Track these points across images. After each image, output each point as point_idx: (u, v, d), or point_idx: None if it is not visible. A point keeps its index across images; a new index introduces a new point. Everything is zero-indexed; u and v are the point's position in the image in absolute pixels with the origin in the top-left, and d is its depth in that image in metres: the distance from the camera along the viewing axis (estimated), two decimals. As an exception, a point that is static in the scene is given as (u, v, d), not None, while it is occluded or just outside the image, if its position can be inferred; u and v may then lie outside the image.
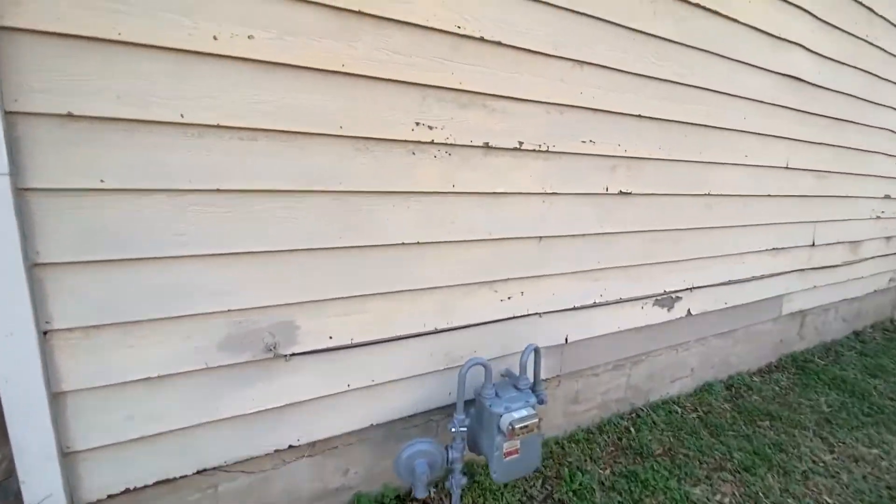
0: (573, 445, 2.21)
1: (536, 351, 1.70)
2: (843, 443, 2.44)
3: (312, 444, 1.57)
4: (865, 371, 3.38)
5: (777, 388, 3.01)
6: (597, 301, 2.13)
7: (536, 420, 1.50)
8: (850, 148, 3.16)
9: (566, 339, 2.07)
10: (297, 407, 1.49)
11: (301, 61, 1.25)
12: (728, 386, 2.94)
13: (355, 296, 1.50)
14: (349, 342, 1.52)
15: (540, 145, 1.74)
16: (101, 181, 1.10)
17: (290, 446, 1.51)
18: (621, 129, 1.96)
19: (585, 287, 2.07)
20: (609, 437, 2.30)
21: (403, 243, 1.54)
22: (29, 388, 1.11)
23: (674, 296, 2.45)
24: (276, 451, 1.49)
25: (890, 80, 3.26)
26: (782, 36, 2.40)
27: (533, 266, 1.87)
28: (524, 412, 1.50)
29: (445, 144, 1.54)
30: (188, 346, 1.28)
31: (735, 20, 2.17)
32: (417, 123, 1.47)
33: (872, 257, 3.86)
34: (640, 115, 1.99)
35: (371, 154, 1.42)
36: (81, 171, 1.07)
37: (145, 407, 1.26)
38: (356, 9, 1.29)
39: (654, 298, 2.36)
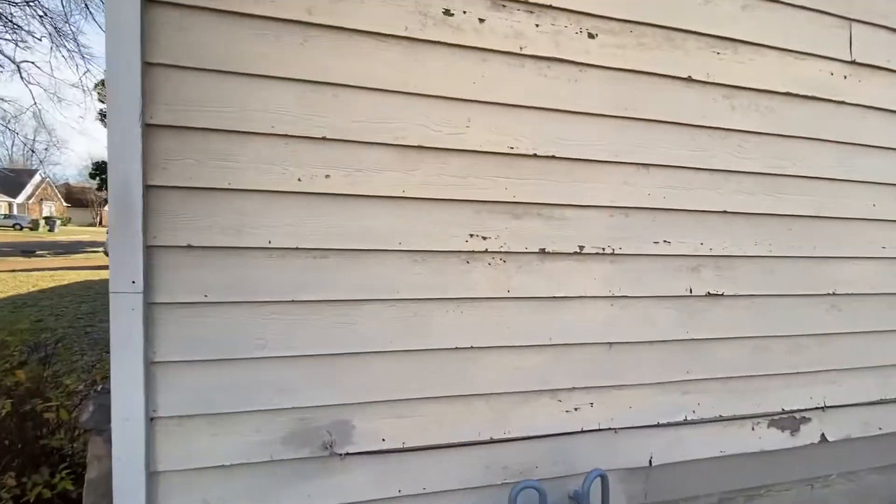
0: None
1: (603, 478, 1.53)
2: None
3: (362, 549, 1.57)
4: None
5: None
6: (688, 418, 1.85)
7: (597, 565, 1.31)
8: None
9: (650, 461, 1.81)
10: (348, 508, 1.52)
11: (366, 191, 1.45)
12: (903, 543, 2.22)
13: (407, 399, 1.54)
14: (401, 445, 1.54)
15: (604, 248, 1.69)
16: (205, 296, 1.36)
17: (340, 547, 1.53)
18: (703, 227, 1.81)
19: (672, 400, 1.83)
20: None
21: (457, 348, 1.57)
22: (134, 467, 1.33)
23: (797, 416, 2.02)
24: (330, 551, 1.52)
25: None
26: (913, 110, 2.07)
27: (603, 375, 1.73)
28: (583, 552, 1.32)
29: (499, 252, 1.59)
30: (257, 438, 1.43)
31: (841, 102, 1.95)
32: (471, 235, 1.56)
33: None
34: (724, 212, 1.83)
35: (426, 265, 1.53)
36: (191, 288, 1.35)
37: (217, 492, 1.41)
38: (416, 144, 1.48)
39: (770, 418, 1.98)
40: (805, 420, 2.03)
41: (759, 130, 1.84)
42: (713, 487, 1.94)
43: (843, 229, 2.02)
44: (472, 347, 1.59)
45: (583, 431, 1.73)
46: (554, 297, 1.66)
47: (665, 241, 1.76)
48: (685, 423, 1.85)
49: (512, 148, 1.57)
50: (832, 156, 1.97)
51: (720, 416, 1.90)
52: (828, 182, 1.97)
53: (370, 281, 1.48)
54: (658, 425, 1.81)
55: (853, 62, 1.95)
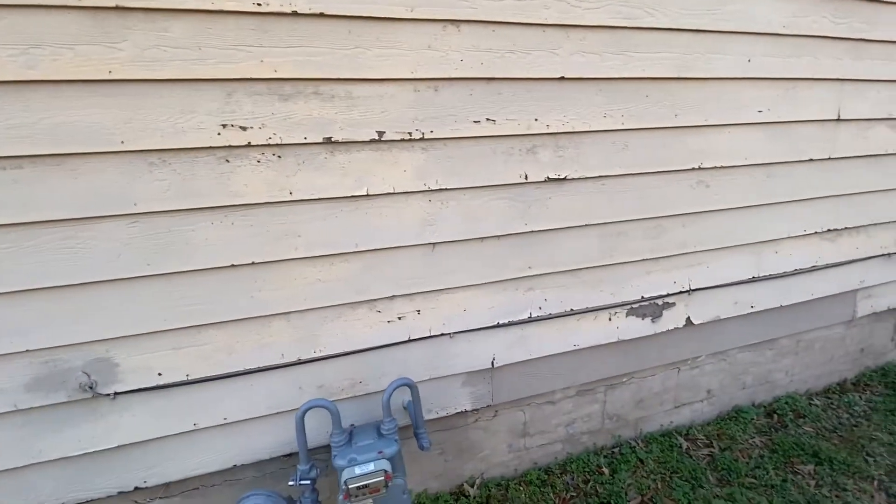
0: (521, 488, 1.83)
1: (411, 387, 1.40)
2: (927, 505, 1.72)
3: (166, 486, 1.46)
4: None
5: (847, 416, 2.26)
6: (533, 315, 1.72)
7: (382, 479, 1.20)
8: (960, 80, 2.24)
9: (493, 363, 1.70)
10: (134, 448, 1.37)
11: (54, 75, 1.11)
12: (770, 412, 2.27)
13: (182, 328, 1.33)
14: (185, 378, 1.37)
15: (410, 133, 1.41)
16: None
17: (137, 488, 1.40)
18: (537, 100, 1.54)
19: (513, 298, 1.68)
20: (573, 479, 1.88)
21: (233, 265, 1.34)
22: None
23: (660, 302, 1.92)
24: (119, 493, 1.39)
25: None
26: (804, -62, 1.73)
27: (428, 279, 1.55)
28: (369, 467, 1.22)
29: (269, 146, 1.30)
30: (-6, 388, 1.22)
31: (710, -71, 1.59)
32: (224, 126, 1.25)
33: None
34: (562, 78, 1.54)
35: (169, 168, 1.23)
36: None
37: (-41, 451, 1.24)
38: (114, 4, 1.11)
39: (629, 307, 1.87)
40: (668, 305, 1.94)
41: (602, -30, 1.50)
42: (569, 381, 1.88)
43: (711, 92, 1.77)
44: (254, 263, 1.35)
45: (411, 340, 1.58)
46: (354, 197, 1.41)
47: (489, 120, 1.49)
48: (530, 320, 1.72)
49: (259, 4, 1.21)
50: (698, 0, 1.65)
51: (571, 309, 1.77)
52: (692, 35, 1.68)
53: (94, 194, 1.19)
54: (499, 325, 1.68)
55: None
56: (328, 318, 1.47)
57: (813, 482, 1.83)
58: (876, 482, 1.83)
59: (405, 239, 1.49)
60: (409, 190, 1.46)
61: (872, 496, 1.76)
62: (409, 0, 1.33)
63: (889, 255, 2.37)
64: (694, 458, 1.98)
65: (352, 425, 1.47)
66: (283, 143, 1.31)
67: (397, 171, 1.43)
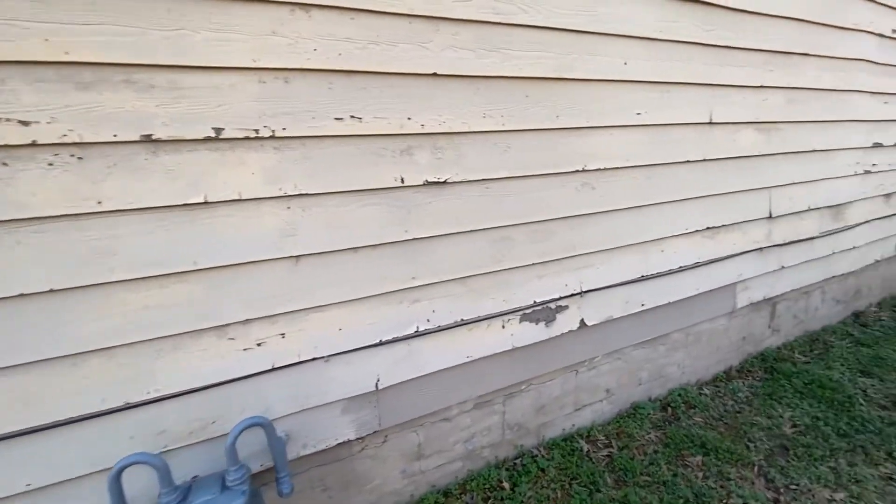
0: (416, 515, 1.70)
1: (264, 426, 1.21)
2: (796, 486, 1.82)
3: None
4: (857, 367, 2.69)
5: (732, 403, 2.39)
6: (421, 328, 1.60)
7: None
8: (810, 89, 2.47)
9: (377, 384, 1.55)
10: None
11: None
12: (665, 405, 2.34)
13: (-50, 378, 1.04)
14: (-38, 441, 1.07)
15: (258, 130, 1.23)
16: None
17: None
18: (409, 97, 1.42)
19: (397, 313, 1.55)
20: (472, 498, 1.78)
21: (23, 294, 1.07)
22: None
23: (552, 305, 1.88)
24: None
25: (860, -4, 2.54)
26: (669, -54, 1.78)
27: (293, 297, 1.36)
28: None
29: (65, 145, 1.05)
30: None
31: (580, -72, 1.58)
32: (-4, 119, 0.99)
33: (866, 221, 3.13)
34: (435, 74, 1.44)
35: (-89, 173, 0.95)
36: None
37: None
38: None
39: (522, 313, 1.81)
40: (561, 308, 1.91)
41: (471, -39, 1.42)
42: (465, 394, 1.78)
43: (592, 93, 1.76)
44: (53, 291, 1.09)
45: (275, 369, 1.38)
46: (189, 205, 1.19)
47: (354, 117, 1.34)
48: (418, 334, 1.60)
49: (36, -32, 0.97)
50: (574, 2, 1.64)
51: (461, 319, 1.68)
52: (569, 34, 1.66)
53: None
54: (382, 343, 1.53)
55: None
56: (164, 351, 1.23)
57: (701, 474, 1.89)
58: (756, 468, 1.92)
59: (260, 252, 1.30)
60: (260, 196, 1.27)
61: (753, 482, 1.85)
62: (244, -23, 1.15)
63: (761, 249, 2.55)
64: (594, 460, 1.97)
65: (194, 478, 1.25)
66: (85, 141, 1.07)
67: (244, 174, 1.24)
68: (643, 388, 2.35)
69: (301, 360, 1.42)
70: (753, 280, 2.59)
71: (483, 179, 1.60)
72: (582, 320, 1.98)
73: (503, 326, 1.78)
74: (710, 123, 2.13)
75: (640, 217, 2.03)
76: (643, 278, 2.12)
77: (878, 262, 3.41)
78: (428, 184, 1.50)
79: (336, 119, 1.32)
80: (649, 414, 2.26)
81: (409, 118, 1.42)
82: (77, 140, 1.06)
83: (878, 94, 2.87)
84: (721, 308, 2.52)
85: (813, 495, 1.77)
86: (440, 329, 1.64)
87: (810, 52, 2.39)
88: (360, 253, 1.44)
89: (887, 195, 3.24)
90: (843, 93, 2.64)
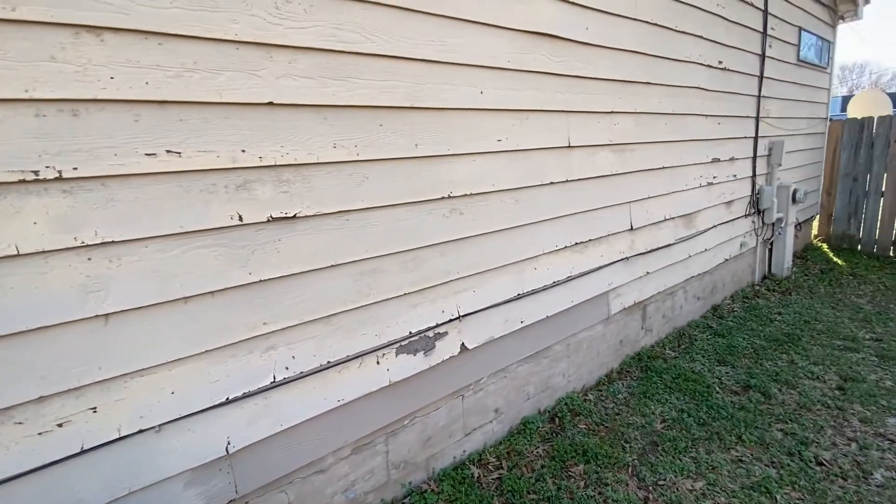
0: (290, 585, 1.53)
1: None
2: (663, 482, 1.96)
3: None
4: (715, 357, 3.03)
5: (612, 405, 2.53)
6: (279, 378, 1.46)
7: None
8: (654, 113, 2.76)
9: (228, 448, 1.38)
10: None
11: None
12: (553, 416, 2.42)
13: None
14: None
15: (37, 172, 1.03)
16: None
17: None
18: (241, 127, 1.30)
19: (247, 364, 1.40)
20: (355, 552, 1.65)
21: None
22: None
23: (430, 334, 1.85)
24: None
25: (688, 33, 2.92)
26: (513, -17, 1.87)
27: (105, 362, 1.16)
28: None
29: None
30: None
31: (422, -39, 1.59)
32: None
33: (713, 227, 3.57)
34: (271, 104, 1.34)
35: None
36: None
37: None
38: None
39: (398, 345, 1.75)
40: (440, 335, 1.88)
41: (304, -13, 1.35)
42: (340, 441, 1.67)
43: (451, 122, 1.78)
44: None
45: (85, 451, 1.16)
46: (-61, 267, 0.96)
47: (171, 152, 1.19)
48: (275, 385, 1.46)
49: None
50: (425, 31, 1.64)
51: (328, 362, 1.57)
52: (422, 64, 1.66)
53: None
54: (230, 401, 1.37)
55: None
56: (-88, 454, 0.97)
57: (582, 483, 1.95)
58: (630, 469, 2.04)
59: (56, 315, 1.09)
60: (48, 248, 1.06)
61: (627, 484, 1.95)
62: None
63: (627, 258, 2.78)
64: (484, 485, 1.95)
65: None
66: None
67: (22, 225, 1.03)
68: (532, 402, 2.40)
69: (123, 434, 1.21)
70: (624, 287, 2.81)
71: (340, 211, 1.52)
72: (463, 344, 1.97)
73: (378, 362, 1.70)
74: (569, 147, 2.27)
75: (511, 238, 2.09)
76: (520, 296, 2.17)
77: (727, 260, 3.92)
78: (273, 220, 1.39)
79: (147, 155, 1.16)
80: (538, 427, 2.31)
81: (243, 150, 1.31)
82: None
83: (711, 117, 3.32)
84: (597, 316, 2.68)
85: (677, 488, 1.91)
86: (304, 375, 1.51)
87: (652, 81, 2.69)
88: (192, 303, 1.27)
89: (728, 203, 3.74)
90: (682, 116, 3.00)
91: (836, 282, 4.54)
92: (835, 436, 2.23)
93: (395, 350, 1.74)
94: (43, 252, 1.06)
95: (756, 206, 4.15)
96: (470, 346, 1.99)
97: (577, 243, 2.42)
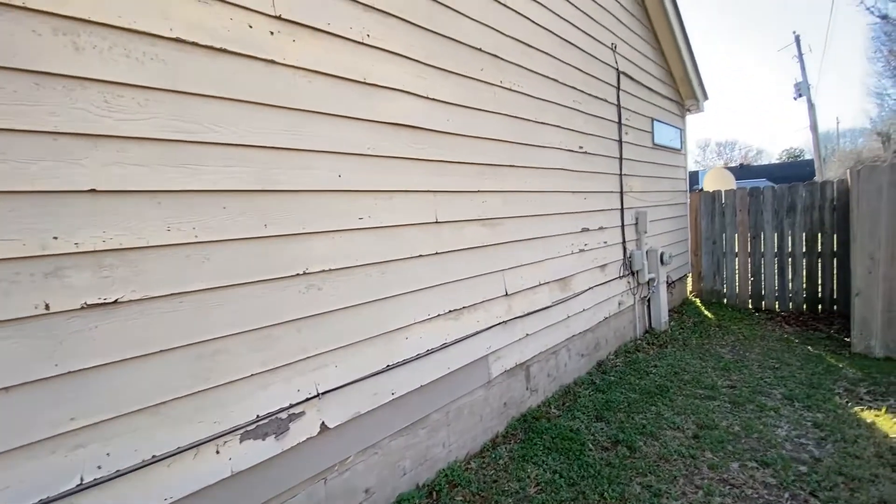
0: None
1: None
2: (523, 550, 1.98)
3: None
4: (594, 413, 3.20)
5: (493, 471, 2.55)
6: (87, 479, 1.33)
7: None
8: (522, 191, 3.09)
9: (8, 571, 1.21)
10: None
11: None
12: (431, 490, 2.38)
13: None
14: None
15: None
16: None
17: None
18: (53, 214, 1.28)
19: (49, 466, 1.27)
20: None
21: None
22: None
23: (284, 415, 1.80)
24: None
25: (548, 124, 3.37)
26: (371, 82, 2.10)
27: None
28: None
29: None
30: None
31: (272, 61, 1.75)
32: None
33: (590, 288, 3.92)
34: (94, 191, 1.35)
35: None
36: None
37: None
38: None
39: (242, 431, 1.68)
40: (296, 416, 1.84)
41: (140, 83, 1.42)
42: (168, 546, 1.51)
43: (305, 202, 1.87)
44: None
45: None
46: None
47: (-40, 242, 1.14)
48: (82, 488, 1.32)
49: None
50: (276, 121, 1.76)
51: (153, 456, 1.46)
52: (272, 151, 1.76)
53: None
54: (15, 514, 1.22)
55: (279, 17, 1.77)
56: None
57: (447, 561, 1.91)
58: (496, 539, 2.04)
59: None
60: None
61: (490, 556, 1.94)
62: None
63: (505, 322, 2.95)
64: (346, 577, 1.84)
65: None
66: None
67: None
68: (408, 477, 2.36)
69: None
70: (503, 350, 2.95)
71: (174, 294, 1.50)
72: (323, 423, 1.93)
73: (218, 451, 1.61)
74: (437, 222, 2.46)
75: (378, 310, 2.15)
76: (390, 367, 2.21)
77: (607, 318, 4.27)
78: (89, 306, 1.33)
79: (-72, 246, 1.10)
80: (414, 504, 2.26)
81: (55, 237, 1.28)
82: None
83: (578, 193, 3.76)
84: (477, 381, 2.77)
85: (537, 556, 1.93)
86: (121, 473, 1.39)
87: (516, 164, 3.03)
88: (-24, 402, 1.16)
89: (602, 266, 4.16)
90: (549, 193, 3.38)
91: (706, 333, 5.10)
92: (686, 485, 2.41)
93: (239, 437, 1.67)
94: None
95: (629, 267, 4.65)
96: (332, 425, 1.95)
97: (451, 311, 2.54)
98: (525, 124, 3.13)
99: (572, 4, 3.66)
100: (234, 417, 1.65)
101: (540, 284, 3.27)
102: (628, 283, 4.64)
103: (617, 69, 4.41)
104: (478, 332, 2.73)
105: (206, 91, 1.56)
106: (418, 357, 2.35)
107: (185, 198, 1.53)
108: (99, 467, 1.36)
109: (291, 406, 1.82)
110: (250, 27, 1.68)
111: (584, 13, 3.84)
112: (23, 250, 1.23)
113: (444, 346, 2.50)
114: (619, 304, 4.48)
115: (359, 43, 2.04)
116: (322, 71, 1.91)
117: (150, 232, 1.45)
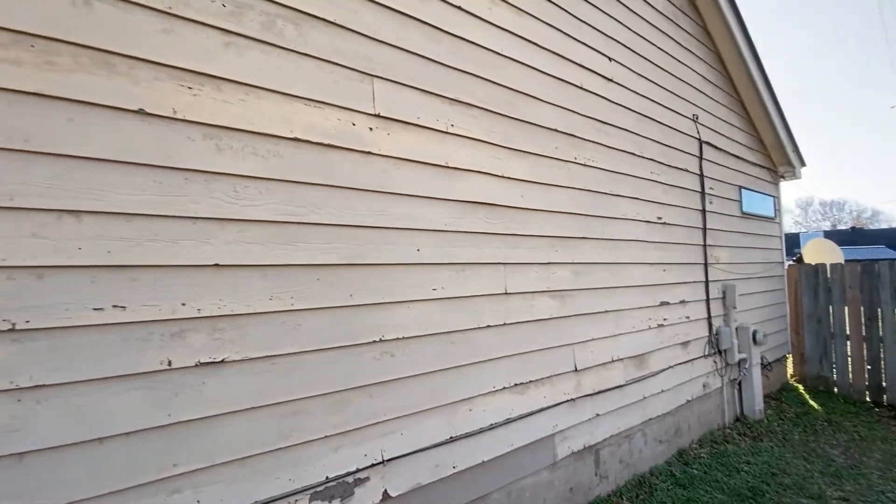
0: None
1: None
2: None
3: None
4: (672, 513, 2.88)
5: (555, 567, 2.37)
6: (179, 524, 1.48)
7: None
8: (594, 263, 3.06)
9: None
10: None
11: None
12: (488, 577, 2.26)
13: None
14: None
15: (-7, 325, 1.23)
16: None
17: None
18: (185, 285, 1.53)
19: (150, 508, 1.44)
20: None
21: None
22: None
23: (350, 479, 1.87)
24: None
25: (624, 196, 3.36)
26: (452, 165, 2.28)
27: (14, 500, 1.23)
28: None
29: None
30: None
31: (368, 153, 1.99)
32: None
33: (669, 367, 3.65)
34: (217, 265, 1.60)
35: None
36: None
37: None
38: None
39: (312, 491, 1.76)
40: (361, 481, 1.90)
41: (261, 175, 1.70)
42: None
43: (386, 275, 2.03)
44: None
45: None
46: None
47: (117, 307, 1.41)
48: (174, 533, 1.47)
49: None
50: (366, 203, 1.98)
51: (233, 509, 1.59)
52: (362, 229, 1.96)
53: None
54: (122, 550, 1.38)
55: (378, 115, 2.04)
56: None
57: None
58: None
59: (-32, 456, 1.19)
60: (-21, 391, 1.21)
61: None
62: (10, 189, 1.27)
63: (573, 399, 2.83)
64: None
65: None
66: None
67: (-36, 371, 1.20)
68: (465, 560, 2.27)
69: (0, 584, 1.22)
70: (571, 430, 2.81)
71: (268, 356, 1.69)
72: (385, 491, 1.96)
73: (289, 509, 1.71)
74: (507, 293, 2.51)
75: (444, 379, 2.20)
76: (452, 439, 2.21)
77: (690, 401, 3.91)
78: (201, 364, 1.54)
79: (95, 309, 1.37)
80: (469, 591, 2.15)
81: (182, 304, 1.52)
82: None
83: (656, 265, 3.62)
84: (541, 461, 2.65)
85: None
86: (205, 522, 1.53)
87: (588, 236, 3.03)
88: (107, 443, 1.37)
89: (683, 343, 3.88)
90: (623, 265, 3.30)
91: (811, 428, 4.44)
92: None
93: (308, 496, 1.75)
94: (-24, 395, 1.21)
95: (716, 346, 4.27)
96: (393, 494, 1.98)
97: (516, 384, 2.51)
98: (598, 197, 3.15)
99: (649, 80, 3.72)
100: (306, 477, 1.75)
101: (613, 361, 3.12)
102: (715, 362, 4.25)
103: (699, 139, 4.32)
104: (543, 409, 2.65)
105: (312, 180, 1.82)
106: (481, 431, 2.33)
107: (286, 271, 1.75)
108: (190, 514, 1.50)
109: (358, 470, 1.89)
110: (353, 125, 1.95)
111: (662, 87, 3.87)
112: (158, 314, 1.48)
113: (508, 422, 2.46)
114: (704, 385, 4.09)
115: (444, 132, 2.25)
116: (409, 158, 2.13)
117: (256, 300, 1.67)
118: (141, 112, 1.46)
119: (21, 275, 1.28)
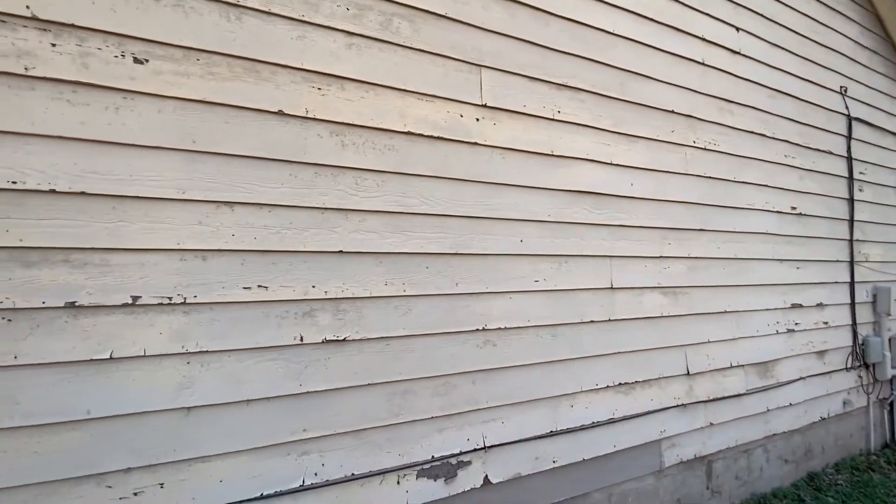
0: None
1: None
2: None
3: None
4: (802, 542, 2.55)
5: (660, 579, 2.24)
6: (307, 483, 1.65)
7: None
8: (708, 258, 2.78)
9: (254, 543, 1.56)
10: None
11: None
12: (587, 577, 2.21)
13: None
14: None
15: (171, 297, 1.47)
16: None
17: None
18: (315, 269, 1.69)
19: (283, 465, 1.61)
20: None
21: (-82, 440, 1.21)
22: None
23: (453, 461, 1.93)
24: None
25: (749, 182, 2.99)
26: (557, 153, 2.22)
27: (177, 447, 1.46)
28: None
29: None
30: None
31: (475, 143, 2.01)
32: (-56, 291, 1.24)
33: (801, 378, 3.22)
34: (341, 252, 1.73)
35: None
36: None
37: None
38: None
39: (419, 468, 1.86)
40: (463, 464, 1.95)
41: (378, 168, 1.80)
42: (354, 557, 1.75)
43: (490, 265, 2.04)
44: (-52, 436, 1.23)
45: (145, 530, 1.43)
46: (95, 360, 1.38)
47: (261, 286, 1.59)
48: (303, 489, 1.64)
49: (15, 182, 1.30)
50: (470, 194, 2.00)
51: (352, 474, 1.73)
52: (466, 219, 1.99)
53: None
54: (263, 497, 1.58)
55: (485, 105, 2.04)
56: (40, 496, 1.31)
57: None
58: None
59: (154, 403, 1.44)
60: (163, 353, 1.46)
61: None
62: (182, 183, 1.49)
63: (684, 405, 2.62)
64: None
65: None
66: (16, 307, 1.30)
67: (151, 334, 1.45)
68: (563, 556, 2.23)
69: (174, 515, 1.46)
70: (680, 437, 2.61)
71: (382, 337, 1.80)
72: (486, 477, 2.00)
73: (398, 482, 1.81)
74: (612, 288, 2.38)
75: (545, 373, 2.17)
76: (553, 433, 2.18)
77: (825, 419, 3.41)
78: (326, 342, 1.70)
79: (244, 288, 1.57)
80: (568, 588, 2.12)
81: (313, 286, 1.68)
82: (11, 306, 1.29)
83: (787, 261, 3.19)
84: (646, 466, 2.50)
85: None
86: (328, 483, 1.69)
87: (706, 228, 2.75)
88: (252, 405, 1.58)
89: (819, 353, 3.37)
90: (746, 260, 2.95)
91: None
92: None
93: (416, 472, 1.85)
94: (160, 355, 1.45)
95: (862, 358, 3.66)
96: (494, 480, 2.01)
97: (621, 384, 2.39)
98: (719, 184, 2.84)
99: (785, 50, 3.24)
100: (414, 454, 1.85)
101: (731, 367, 2.83)
102: (860, 377, 3.64)
103: (847, 115, 3.68)
104: (650, 412, 2.49)
105: (422, 172, 1.88)
106: (583, 428, 2.26)
107: (398, 259, 1.84)
108: (315, 474, 1.67)
109: (461, 453, 1.94)
110: (461, 116, 1.98)
111: (801, 57, 3.35)
112: (292, 295, 1.65)
113: (611, 422, 2.35)
114: (845, 403, 3.53)
115: (550, 119, 2.19)
116: (514, 148, 2.10)
117: (373, 285, 1.78)
118: (280, 113, 1.63)
119: (190, 256, 1.50)
